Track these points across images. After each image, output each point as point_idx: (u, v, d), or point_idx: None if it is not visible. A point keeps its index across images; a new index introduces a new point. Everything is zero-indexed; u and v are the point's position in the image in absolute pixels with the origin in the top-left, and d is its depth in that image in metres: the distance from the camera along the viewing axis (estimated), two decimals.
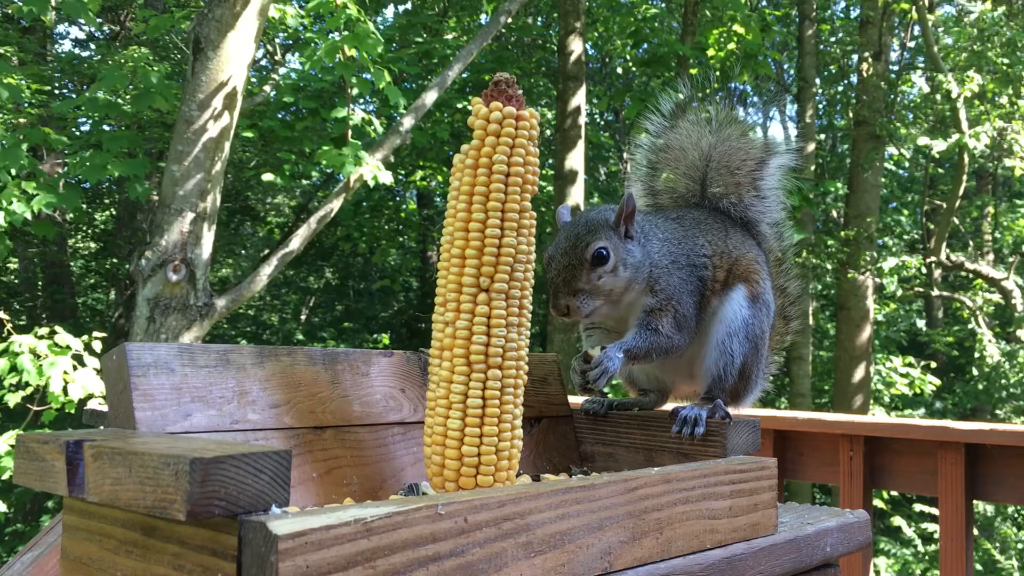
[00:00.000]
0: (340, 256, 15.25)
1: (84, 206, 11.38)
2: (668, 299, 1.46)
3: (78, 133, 8.33)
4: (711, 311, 1.55)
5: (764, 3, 15.29)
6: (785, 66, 15.49)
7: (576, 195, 9.53)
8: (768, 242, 1.74)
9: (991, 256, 15.18)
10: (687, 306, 1.49)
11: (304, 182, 14.69)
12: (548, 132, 11.71)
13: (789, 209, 1.77)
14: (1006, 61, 11.14)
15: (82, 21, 10.71)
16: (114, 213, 13.87)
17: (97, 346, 5.10)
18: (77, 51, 12.36)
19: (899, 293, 13.02)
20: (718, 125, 1.71)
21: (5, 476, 4.97)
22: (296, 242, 6.28)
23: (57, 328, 5.05)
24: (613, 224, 1.41)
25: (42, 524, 9.84)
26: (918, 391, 12.70)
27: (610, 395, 1.66)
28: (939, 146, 10.77)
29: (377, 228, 14.12)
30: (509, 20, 8.30)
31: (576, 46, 9.62)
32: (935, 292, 13.88)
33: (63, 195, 5.92)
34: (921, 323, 16.25)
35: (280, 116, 9.75)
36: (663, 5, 13.52)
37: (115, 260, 13.18)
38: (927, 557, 11.32)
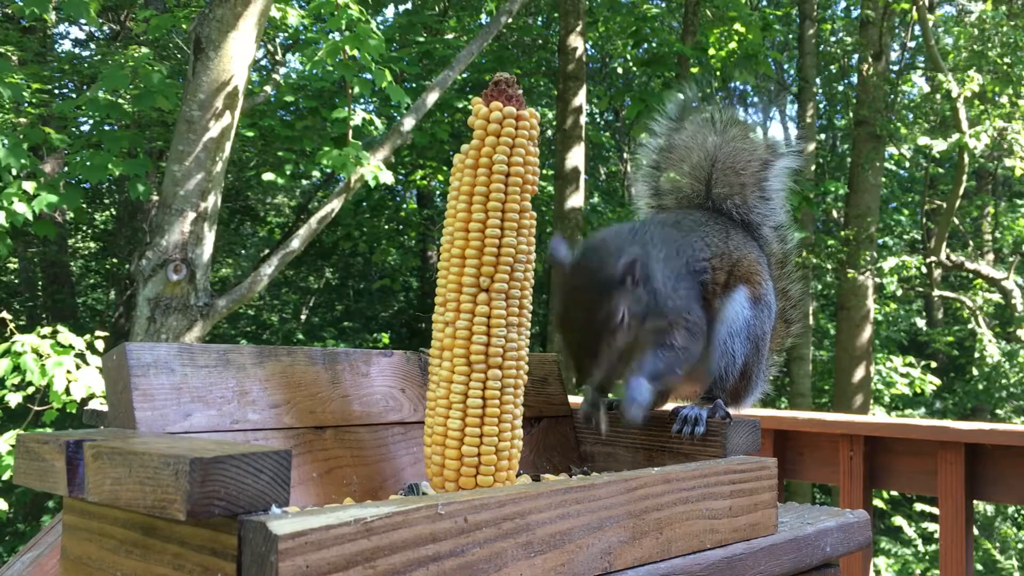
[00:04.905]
0: (340, 256, 15.24)
1: (84, 206, 11.38)
2: (677, 314, 1.45)
3: (78, 133, 8.33)
4: (713, 312, 1.55)
5: (764, 3, 15.29)
6: (785, 66, 15.49)
7: (576, 195, 9.53)
8: (771, 245, 1.74)
9: (991, 256, 15.17)
10: (695, 313, 1.48)
11: (304, 182, 14.69)
12: (548, 132, 11.71)
13: (792, 212, 1.77)
14: (1006, 61, 11.14)
15: (82, 21, 10.71)
16: (114, 213, 13.87)
17: (99, 345, 5.09)
18: (77, 51, 12.36)
19: (899, 293, 13.02)
20: (723, 126, 1.71)
21: (5, 476, 4.97)
22: (297, 242, 6.27)
23: (60, 328, 5.04)
24: (624, 279, 1.36)
25: (42, 524, 9.84)
26: (918, 391, 12.70)
27: (610, 395, 1.66)
28: (939, 146, 10.77)
29: (377, 228, 14.12)
30: (510, 20, 8.30)
31: (577, 46, 9.62)
32: (935, 292, 13.87)
33: (64, 195, 5.92)
34: (921, 323, 16.25)
35: (280, 115, 9.76)
36: (663, 5, 13.51)
37: (115, 260, 13.17)
38: (927, 557, 11.32)
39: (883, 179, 12.93)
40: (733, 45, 10.42)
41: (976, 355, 13.42)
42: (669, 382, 1.46)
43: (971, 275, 13.75)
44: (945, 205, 12.49)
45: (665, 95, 1.81)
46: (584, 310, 1.36)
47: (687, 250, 1.50)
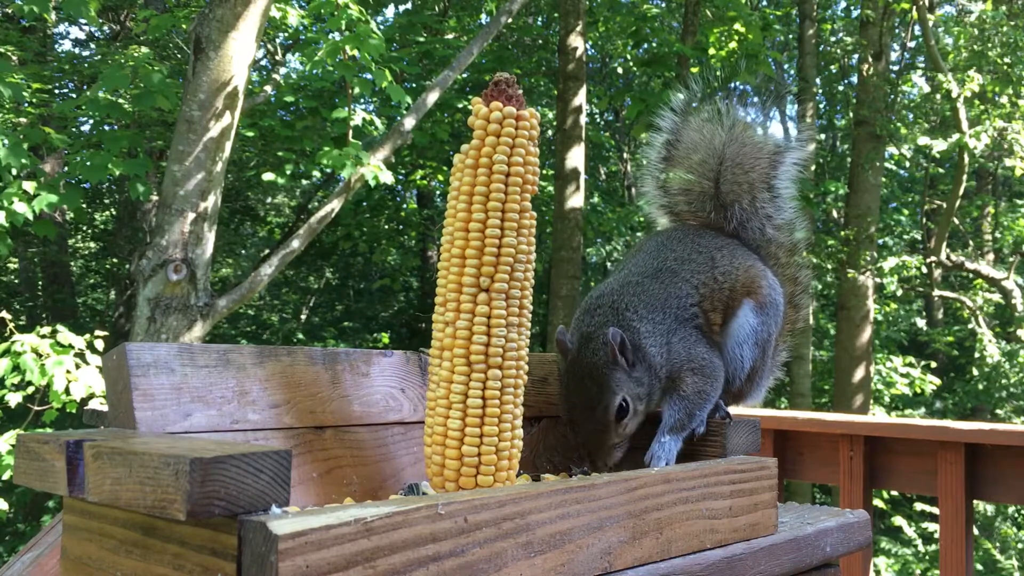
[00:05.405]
0: (340, 256, 15.24)
1: (84, 206, 11.38)
2: (680, 368, 1.44)
3: (78, 133, 8.33)
4: (719, 334, 1.56)
5: (764, 3, 15.29)
6: (785, 66, 15.49)
7: (576, 195, 9.53)
8: (779, 238, 1.74)
9: (991, 256, 15.17)
10: (700, 355, 1.46)
11: (304, 182, 14.70)
12: (548, 132, 11.71)
13: (800, 206, 1.77)
14: (1006, 61, 11.14)
15: (83, 21, 10.72)
16: (114, 213, 13.87)
17: (99, 345, 5.09)
18: (77, 51, 12.36)
19: (899, 293, 13.02)
20: (730, 122, 1.70)
21: (5, 476, 4.97)
22: (297, 242, 6.27)
23: (59, 327, 5.04)
24: (617, 362, 1.37)
25: (42, 524, 9.84)
26: (918, 391, 12.70)
27: None
28: (939, 146, 10.77)
29: (377, 228, 14.12)
30: (510, 20, 8.30)
31: (577, 46, 9.62)
32: (935, 292, 13.87)
33: (64, 195, 5.91)
34: (921, 323, 16.25)
35: (280, 115, 9.76)
36: (663, 5, 13.52)
37: (115, 260, 13.18)
38: (927, 557, 11.32)
39: (883, 179, 12.93)
40: (733, 45, 10.43)
41: (976, 355, 13.42)
42: (694, 426, 1.44)
43: (971, 275, 13.76)
44: (945, 205, 12.49)
45: (667, 93, 1.80)
46: (589, 404, 1.37)
47: (671, 303, 1.48)
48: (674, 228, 1.72)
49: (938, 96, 11.50)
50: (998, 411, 13.42)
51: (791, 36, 14.65)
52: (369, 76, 6.25)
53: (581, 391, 1.38)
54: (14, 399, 5.00)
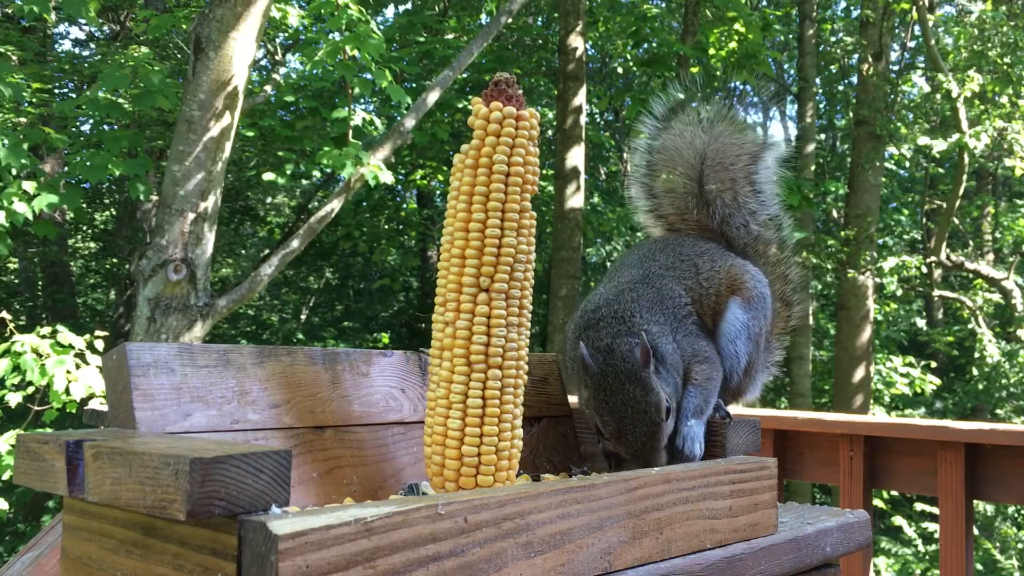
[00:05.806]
0: (340, 256, 15.24)
1: (84, 206, 11.38)
2: (688, 362, 1.48)
3: (78, 133, 8.32)
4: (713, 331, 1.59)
5: (764, 3, 15.29)
6: (785, 66, 15.49)
7: (576, 195, 9.53)
8: (765, 235, 1.77)
9: (991, 256, 15.17)
10: (703, 347, 1.51)
11: (304, 182, 14.69)
12: (548, 132, 11.70)
13: (785, 205, 1.79)
14: (1006, 61, 11.14)
15: (82, 21, 10.71)
16: (114, 213, 13.87)
17: (99, 345, 5.09)
18: (77, 51, 12.36)
19: (899, 293, 13.02)
20: (710, 123, 1.74)
21: (5, 476, 4.97)
22: (297, 242, 6.27)
23: (59, 327, 5.04)
24: (648, 366, 1.38)
25: (42, 524, 9.84)
26: (918, 391, 12.70)
27: None
28: (939, 146, 10.77)
29: (377, 228, 14.12)
30: (510, 20, 8.30)
31: (577, 46, 9.62)
32: (935, 292, 13.87)
33: (64, 195, 5.91)
34: (921, 323, 16.25)
35: (280, 115, 9.76)
36: (663, 5, 13.52)
37: (115, 260, 13.18)
38: (927, 557, 11.32)
39: (883, 179, 12.92)
40: (733, 45, 10.43)
41: (976, 355, 13.42)
42: (710, 412, 1.48)
43: (971, 275, 13.75)
44: (945, 205, 12.48)
45: (653, 96, 1.82)
46: (639, 410, 1.36)
47: (668, 303, 1.52)
48: (655, 240, 1.75)
49: (938, 96, 11.50)
50: (998, 411, 13.42)
51: (791, 36, 14.65)
52: (369, 76, 6.25)
53: (627, 398, 1.37)
54: (14, 399, 4.99)
